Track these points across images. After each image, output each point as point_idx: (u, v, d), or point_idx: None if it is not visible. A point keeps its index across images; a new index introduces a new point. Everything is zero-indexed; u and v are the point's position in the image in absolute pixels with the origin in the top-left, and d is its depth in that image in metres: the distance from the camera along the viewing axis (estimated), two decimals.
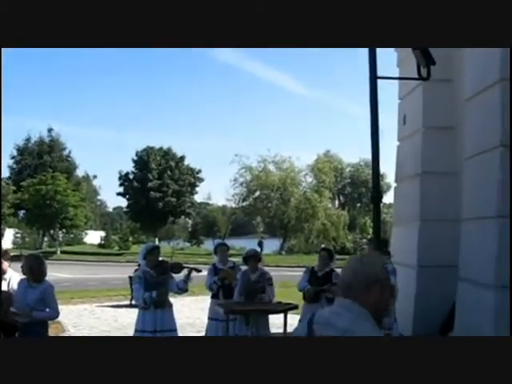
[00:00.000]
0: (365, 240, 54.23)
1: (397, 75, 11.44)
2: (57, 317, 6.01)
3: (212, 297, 8.21)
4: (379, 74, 4.61)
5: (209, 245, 62.91)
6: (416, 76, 4.93)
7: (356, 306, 2.54)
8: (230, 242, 8.49)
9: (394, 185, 12.10)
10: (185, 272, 7.27)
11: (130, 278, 15.43)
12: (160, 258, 7.36)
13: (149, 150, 56.20)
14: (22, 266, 6.02)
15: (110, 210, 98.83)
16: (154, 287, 6.89)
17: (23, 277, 6.06)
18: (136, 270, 12.54)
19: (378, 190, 4.43)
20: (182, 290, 7.25)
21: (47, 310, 5.89)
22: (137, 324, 7.02)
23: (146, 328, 6.87)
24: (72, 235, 57.46)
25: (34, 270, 5.90)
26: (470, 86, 7.83)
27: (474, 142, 7.63)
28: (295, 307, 7.50)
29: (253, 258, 7.59)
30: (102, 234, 65.40)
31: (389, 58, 11.22)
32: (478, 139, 7.48)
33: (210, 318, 8.12)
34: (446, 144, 10.01)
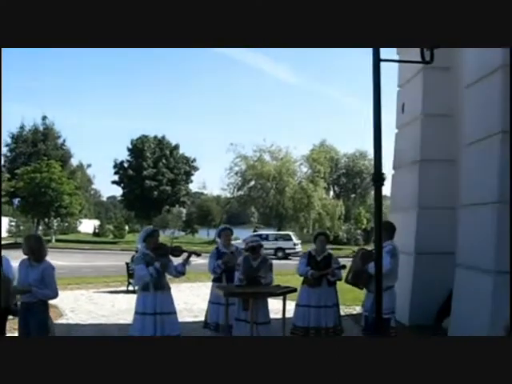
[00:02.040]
0: (359, 231, 54.61)
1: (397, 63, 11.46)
2: (55, 297, 6.05)
3: (213, 280, 8.22)
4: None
5: (203, 234, 63.06)
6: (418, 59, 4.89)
7: None
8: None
9: (390, 173, 12.12)
10: (184, 256, 7.28)
11: (127, 264, 15.47)
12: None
13: (143, 139, 56.07)
14: (22, 247, 6.06)
15: (104, 199, 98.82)
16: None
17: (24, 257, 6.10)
18: (133, 256, 12.56)
19: (379, 172, 4.42)
20: (180, 273, 7.27)
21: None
22: (137, 307, 7.04)
23: (146, 310, 6.90)
24: (66, 224, 57.32)
25: (35, 250, 5.98)
26: (470, 73, 7.85)
27: (474, 128, 7.66)
28: (294, 290, 7.53)
29: (255, 248, 7.55)
30: (97, 222, 65.33)
31: None
32: (478, 125, 7.51)
33: (211, 302, 8.15)
34: (444, 131, 10.04)
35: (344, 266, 7.98)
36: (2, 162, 51.59)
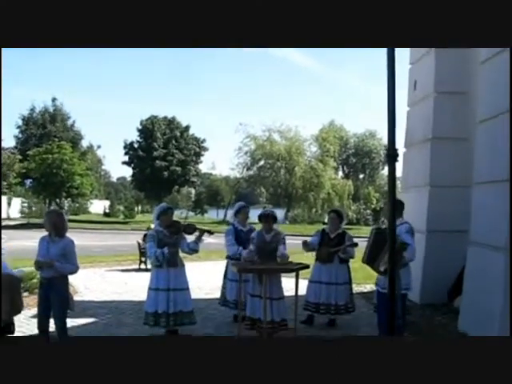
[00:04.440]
0: (369, 211, 54.52)
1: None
2: (76, 271, 6.11)
3: (229, 257, 8.25)
4: None
5: (213, 214, 63.28)
6: None
7: None
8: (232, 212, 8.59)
9: (401, 153, 12.03)
10: (197, 233, 7.35)
11: (139, 243, 15.59)
12: None
13: (153, 119, 56.05)
14: (44, 223, 6.12)
15: (114, 180, 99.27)
16: (166, 246, 7.02)
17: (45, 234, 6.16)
18: (145, 235, 12.60)
19: (393, 148, 4.39)
20: (193, 250, 7.35)
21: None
22: (151, 282, 7.16)
23: (159, 286, 7.01)
24: (77, 204, 57.61)
25: (58, 225, 6.04)
26: (484, 49, 7.75)
27: (488, 106, 7.59)
28: (307, 267, 7.54)
29: (268, 217, 7.56)
30: (107, 203, 65.66)
31: None
32: (492, 102, 7.44)
33: (229, 279, 8.23)
34: (457, 109, 9.96)
35: (356, 244, 8.01)
36: (14, 144, 51.77)
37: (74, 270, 6.07)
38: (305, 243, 8.13)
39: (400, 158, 5.55)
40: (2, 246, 6.81)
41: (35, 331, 6.45)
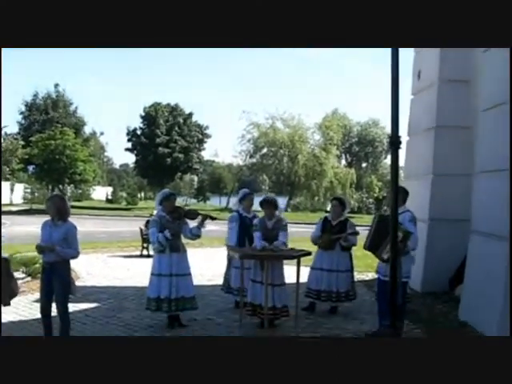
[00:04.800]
0: (371, 199, 54.52)
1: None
2: (77, 256, 6.12)
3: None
4: None
5: (215, 201, 63.38)
6: None
7: None
8: (236, 199, 8.57)
9: (404, 141, 12.01)
10: (199, 219, 7.35)
11: (141, 229, 15.63)
12: None
13: (156, 106, 55.96)
14: (48, 208, 6.12)
15: (117, 166, 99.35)
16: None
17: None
18: (147, 221, 12.61)
19: (396, 135, 4.39)
20: (195, 235, 7.35)
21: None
22: (153, 268, 7.19)
23: (162, 271, 7.04)
24: (80, 191, 57.67)
25: (62, 210, 6.06)
26: None
27: (491, 94, 7.55)
28: (308, 254, 7.57)
29: (269, 203, 7.54)
30: (110, 189, 65.76)
31: None
32: (495, 91, 7.40)
33: (234, 267, 8.23)
34: (461, 97, 9.92)
35: (358, 233, 8.03)
36: (17, 130, 51.79)
37: (75, 255, 6.09)
38: (313, 242, 8.24)
39: (403, 147, 5.53)
40: (2, 234, 6.82)
41: (37, 316, 6.50)
